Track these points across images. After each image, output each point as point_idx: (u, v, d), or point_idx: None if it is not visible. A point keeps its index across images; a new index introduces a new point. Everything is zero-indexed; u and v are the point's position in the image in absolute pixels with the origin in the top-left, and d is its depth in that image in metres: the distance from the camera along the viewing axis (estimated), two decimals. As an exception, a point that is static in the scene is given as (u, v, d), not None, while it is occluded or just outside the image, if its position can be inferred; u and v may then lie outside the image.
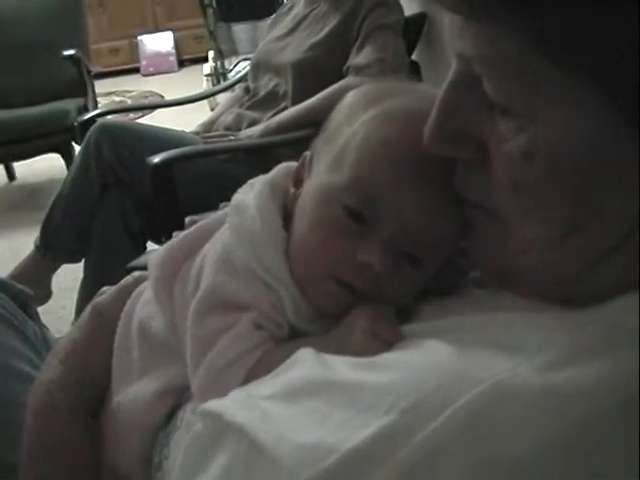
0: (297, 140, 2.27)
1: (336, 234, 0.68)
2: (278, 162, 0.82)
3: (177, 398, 0.77)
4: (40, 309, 1.45)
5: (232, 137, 2.51)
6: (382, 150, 0.67)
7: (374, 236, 0.67)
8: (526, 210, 0.59)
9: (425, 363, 0.56)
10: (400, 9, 2.57)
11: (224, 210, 0.80)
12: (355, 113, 0.72)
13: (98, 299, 0.90)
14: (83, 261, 2.53)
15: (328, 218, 0.69)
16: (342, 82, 2.31)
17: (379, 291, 0.68)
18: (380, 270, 0.66)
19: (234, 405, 0.61)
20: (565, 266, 0.60)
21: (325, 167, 0.72)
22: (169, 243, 0.81)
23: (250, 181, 0.79)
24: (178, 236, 0.81)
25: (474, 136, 0.62)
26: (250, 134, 2.47)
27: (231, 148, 2.45)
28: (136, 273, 0.90)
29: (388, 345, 0.62)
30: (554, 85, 0.54)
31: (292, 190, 0.75)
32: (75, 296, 2.48)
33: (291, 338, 0.71)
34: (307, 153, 0.76)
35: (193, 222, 0.84)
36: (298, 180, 0.76)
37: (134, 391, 0.80)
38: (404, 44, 2.52)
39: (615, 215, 0.57)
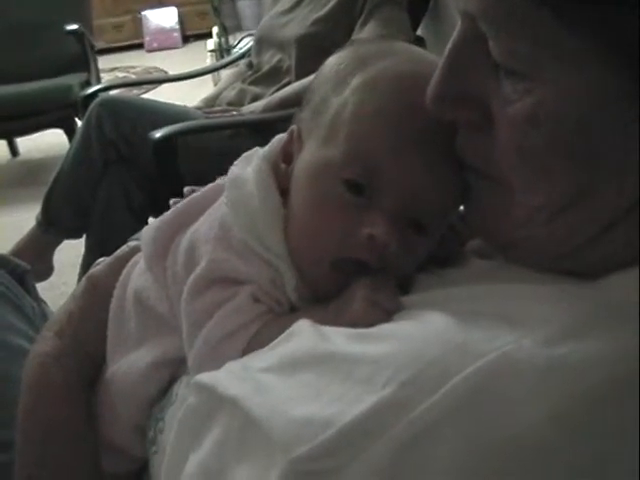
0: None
1: (337, 211, 0.66)
2: None
3: (173, 371, 0.76)
4: (42, 285, 1.45)
5: (235, 112, 2.50)
6: (377, 119, 0.66)
7: (376, 207, 0.66)
8: (529, 177, 0.58)
9: (424, 334, 0.55)
10: None
11: (215, 183, 0.78)
12: (342, 81, 0.69)
13: (93, 270, 0.89)
14: (84, 237, 2.53)
15: (327, 195, 0.67)
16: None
17: (388, 264, 0.66)
18: (387, 242, 0.65)
19: (227, 377, 0.60)
20: (567, 237, 0.59)
21: (317, 141, 0.69)
22: (160, 218, 0.80)
23: (245, 154, 0.77)
24: (169, 211, 0.80)
25: (478, 98, 0.60)
26: (253, 109, 2.46)
27: (233, 123, 2.43)
28: (132, 243, 0.89)
29: (388, 314, 0.61)
30: (562, 45, 0.52)
31: (282, 166, 0.73)
32: (77, 272, 2.47)
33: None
34: (294, 127, 0.74)
35: (192, 192, 0.82)
36: (287, 155, 0.73)
37: (129, 361, 0.79)
38: (409, 19, 2.49)
39: (619, 187, 0.55)
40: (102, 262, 0.90)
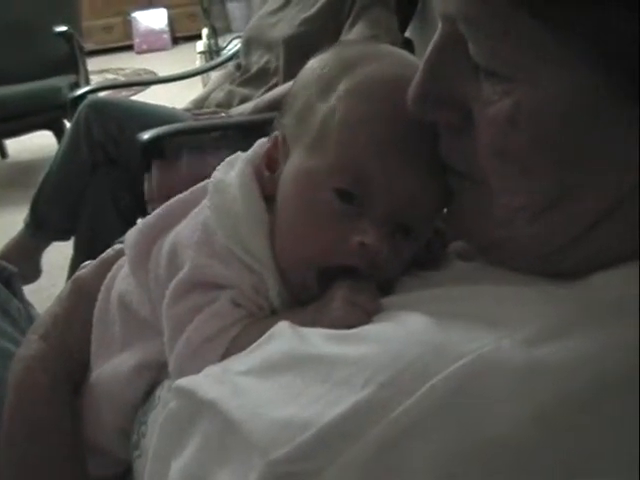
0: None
1: (327, 219, 0.66)
2: None
3: (156, 374, 0.76)
4: (29, 287, 1.44)
5: (223, 114, 2.50)
6: (365, 126, 0.66)
7: (366, 215, 0.66)
8: (510, 177, 0.58)
9: (403, 335, 0.55)
10: None
11: (197, 186, 0.78)
12: (327, 86, 0.69)
13: (79, 273, 0.89)
14: (73, 239, 2.52)
15: (317, 203, 0.67)
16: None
17: (377, 269, 0.66)
18: (378, 249, 0.65)
19: (207, 381, 0.60)
20: (549, 238, 0.59)
21: (305, 149, 0.69)
22: (142, 221, 0.80)
23: (228, 159, 0.77)
24: (151, 214, 0.80)
25: (459, 100, 0.60)
26: (241, 111, 2.45)
27: (221, 125, 2.43)
28: (117, 246, 0.89)
29: (367, 315, 0.61)
30: (540, 46, 0.53)
31: (267, 173, 0.73)
32: (65, 275, 2.47)
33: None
34: (278, 133, 0.73)
35: None
36: (272, 162, 0.73)
37: (113, 365, 0.79)
38: (397, 21, 2.49)
39: (601, 187, 0.56)
40: (88, 265, 0.89)
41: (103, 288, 0.84)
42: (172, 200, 0.79)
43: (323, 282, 0.67)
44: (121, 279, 0.81)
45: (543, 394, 0.49)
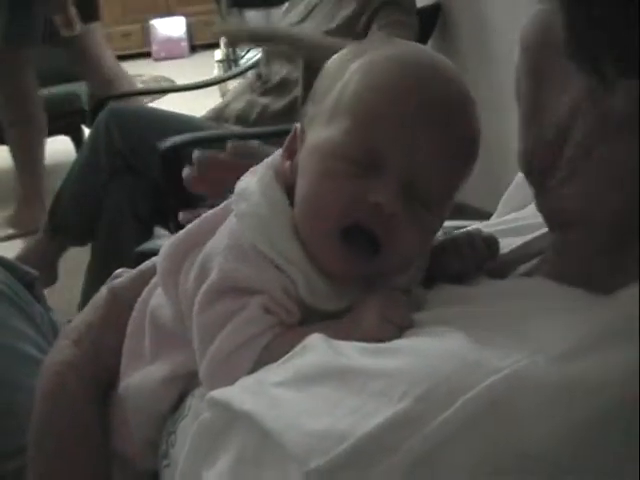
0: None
1: (343, 180, 0.67)
2: None
3: (185, 384, 0.76)
4: (46, 291, 1.45)
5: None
6: (378, 95, 0.68)
7: (383, 177, 0.67)
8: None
9: (438, 350, 0.56)
10: (411, 11, 2.53)
11: (228, 200, 0.78)
12: (343, 67, 0.72)
13: (115, 282, 0.88)
14: (90, 244, 2.53)
15: (333, 168, 0.68)
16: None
17: (395, 235, 0.67)
18: (393, 210, 0.66)
19: (242, 392, 0.61)
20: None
21: (321, 124, 0.71)
22: (175, 236, 0.80)
23: (252, 169, 0.77)
24: (183, 230, 0.80)
25: None
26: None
27: (242, 134, 2.44)
28: (156, 257, 0.89)
29: (399, 329, 0.62)
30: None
31: (287, 163, 0.74)
32: (82, 279, 2.48)
33: (302, 323, 0.70)
34: (297, 124, 0.75)
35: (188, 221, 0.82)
36: (291, 151, 0.75)
37: (142, 376, 0.79)
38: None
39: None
40: (123, 272, 0.89)
41: (140, 300, 0.83)
42: (203, 215, 0.80)
43: (349, 252, 0.67)
44: (155, 295, 0.81)
45: (578, 410, 0.49)
